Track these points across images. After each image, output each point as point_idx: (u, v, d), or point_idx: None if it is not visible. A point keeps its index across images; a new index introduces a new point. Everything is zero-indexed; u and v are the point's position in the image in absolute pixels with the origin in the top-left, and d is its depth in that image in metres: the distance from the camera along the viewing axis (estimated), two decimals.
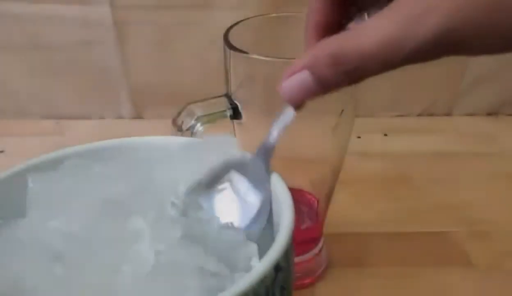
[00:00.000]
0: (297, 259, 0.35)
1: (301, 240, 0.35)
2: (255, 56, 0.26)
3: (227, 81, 0.29)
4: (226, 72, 0.29)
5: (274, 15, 0.32)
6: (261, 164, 0.22)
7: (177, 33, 0.51)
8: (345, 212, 0.40)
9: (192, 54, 0.51)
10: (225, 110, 0.29)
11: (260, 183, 0.22)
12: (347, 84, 0.19)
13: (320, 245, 0.36)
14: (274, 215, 0.21)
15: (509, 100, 0.56)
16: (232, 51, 0.27)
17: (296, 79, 0.19)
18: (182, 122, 0.28)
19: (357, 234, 0.39)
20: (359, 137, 0.49)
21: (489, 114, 0.57)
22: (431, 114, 0.56)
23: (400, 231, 0.40)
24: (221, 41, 0.28)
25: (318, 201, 0.33)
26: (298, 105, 0.21)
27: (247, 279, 0.16)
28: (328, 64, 0.18)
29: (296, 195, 0.34)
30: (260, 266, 0.17)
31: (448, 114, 0.57)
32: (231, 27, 0.29)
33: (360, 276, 0.36)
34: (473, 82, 0.54)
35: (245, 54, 0.27)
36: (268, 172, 0.22)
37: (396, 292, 0.34)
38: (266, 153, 0.22)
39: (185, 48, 0.51)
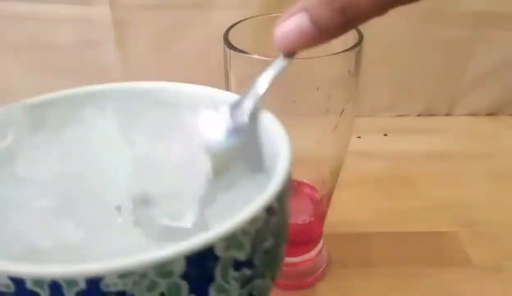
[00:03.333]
0: (297, 259, 0.35)
1: (301, 239, 0.35)
2: (255, 56, 0.26)
3: (227, 81, 0.29)
4: (226, 72, 0.29)
5: (274, 15, 0.32)
6: (245, 108, 0.21)
7: (177, 33, 0.51)
8: (345, 212, 0.40)
9: (192, 54, 0.51)
10: None
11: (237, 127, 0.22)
12: (344, 26, 0.18)
13: (320, 245, 0.36)
14: (269, 157, 0.21)
15: (509, 100, 0.56)
16: (232, 51, 0.27)
17: (293, 23, 0.18)
18: None
19: (357, 234, 0.39)
20: (359, 137, 0.49)
21: (489, 114, 0.57)
22: (431, 114, 0.56)
23: (400, 231, 0.40)
24: (221, 41, 0.28)
25: (319, 198, 0.33)
26: (291, 53, 0.20)
27: (236, 219, 0.16)
28: (322, 2, 0.18)
29: (298, 191, 0.34)
30: (251, 207, 0.16)
31: (448, 114, 0.57)
32: (231, 27, 0.29)
33: (360, 276, 0.36)
34: (473, 82, 0.54)
35: (245, 54, 0.27)
36: (251, 117, 0.22)
37: (396, 292, 0.34)
38: (252, 99, 0.21)
39: (185, 48, 0.51)
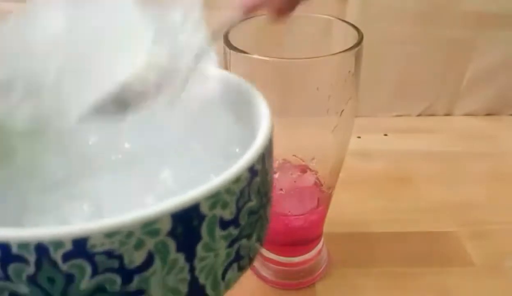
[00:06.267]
0: (297, 259, 0.35)
1: (301, 239, 0.35)
2: (255, 56, 0.26)
3: None
4: None
5: None
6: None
7: None
8: (345, 212, 0.40)
9: None
10: None
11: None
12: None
13: (320, 244, 0.36)
14: (251, 123, 0.22)
15: (509, 100, 0.56)
16: (232, 51, 0.27)
17: None
18: None
19: (357, 234, 0.39)
20: (359, 137, 0.49)
21: (489, 114, 0.57)
22: (431, 114, 0.56)
23: (400, 231, 0.40)
24: (221, 41, 0.28)
25: (319, 198, 0.33)
26: (250, 10, 0.23)
27: (221, 178, 0.16)
28: None
29: (299, 190, 0.34)
30: (234, 167, 0.17)
31: (448, 114, 0.57)
32: (231, 27, 0.29)
33: (360, 276, 0.36)
34: (473, 82, 0.54)
35: (245, 54, 0.27)
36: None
37: (396, 292, 0.34)
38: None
39: None
